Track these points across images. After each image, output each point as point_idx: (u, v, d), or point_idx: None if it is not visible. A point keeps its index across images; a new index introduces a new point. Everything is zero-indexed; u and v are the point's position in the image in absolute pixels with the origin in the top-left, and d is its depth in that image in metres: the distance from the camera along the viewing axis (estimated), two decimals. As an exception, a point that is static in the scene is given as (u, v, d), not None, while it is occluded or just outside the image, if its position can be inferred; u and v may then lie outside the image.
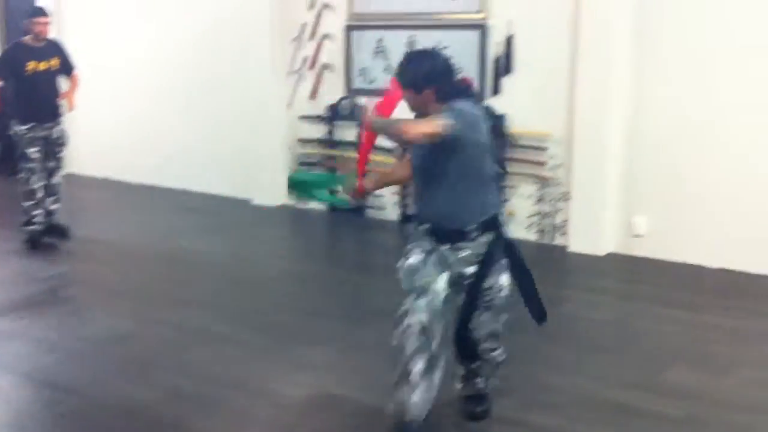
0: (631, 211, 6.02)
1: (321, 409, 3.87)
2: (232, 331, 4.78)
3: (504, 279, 3.38)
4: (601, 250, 6.04)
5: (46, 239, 6.66)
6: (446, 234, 3.31)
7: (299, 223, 7.49)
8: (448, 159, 3.23)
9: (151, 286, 5.64)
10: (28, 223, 6.59)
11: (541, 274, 5.73)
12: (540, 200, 6.36)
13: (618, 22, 5.81)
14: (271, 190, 7.77)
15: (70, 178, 9.08)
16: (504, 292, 3.39)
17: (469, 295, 3.31)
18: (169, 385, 4.09)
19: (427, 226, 3.37)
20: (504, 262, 3.36)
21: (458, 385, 3.65)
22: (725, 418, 3.71)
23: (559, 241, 6.30)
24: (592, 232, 6.05)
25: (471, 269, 3.30)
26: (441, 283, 3.31)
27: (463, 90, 3.41)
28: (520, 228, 6.45)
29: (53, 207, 6.76)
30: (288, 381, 4.13)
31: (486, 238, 3.30)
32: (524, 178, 6.37)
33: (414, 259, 3.36)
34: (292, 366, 4.30)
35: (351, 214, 7.34)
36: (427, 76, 3.30)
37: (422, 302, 3.27)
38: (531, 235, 6.42)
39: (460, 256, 3.31)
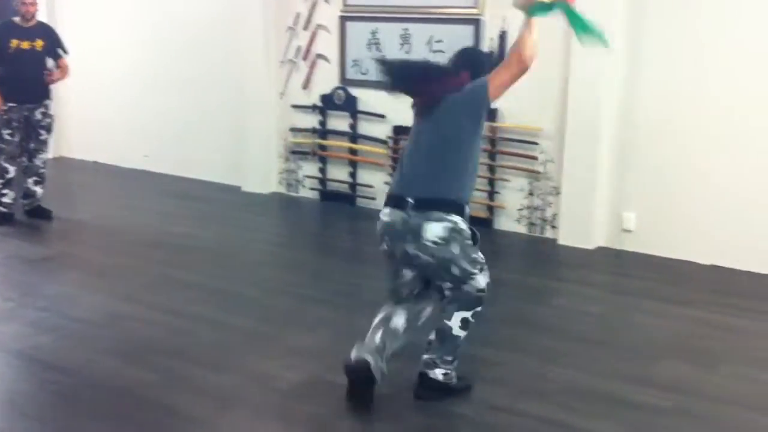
0: (621, 206, 6.08)
1: (314, 394, 3.89)
2: (226, 316, 4.80)
3: None
4: (590, 243, 6.10)
5: (29, 221, 6.72)
6: None
7: (290, 211, 7.52)
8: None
9: (144, 270, 5.65)
10: None
11: (531, 267, 5.95)
12: (531, 194, 6.42)
13: (611, 20, 5.83)
14: (262, 178, 7.80)
15: (60, 161, 9.10)
16: None
17: None
18: (162, 368, 4.12)
19: None
20: None
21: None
22: (713, 411, 3.77)
23: (549, 234, 6.37)
24: (582, 226, 6.11)
25: None
26: None
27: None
28: (510, 220, 6.52)
29: (35, 188, 6.77)
30: (281, 365, 4.16)
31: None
32: (515, 171, 6.43)
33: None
34: (286, 351, 4.33)
35: (342, 203, 7.37)
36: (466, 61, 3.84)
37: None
38: (521, 228, 6.49)
39: None
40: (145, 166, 8.74)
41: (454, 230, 3.53)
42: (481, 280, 3.66)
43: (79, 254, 6.04)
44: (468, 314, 3.69)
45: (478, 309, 3.71)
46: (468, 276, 3.62)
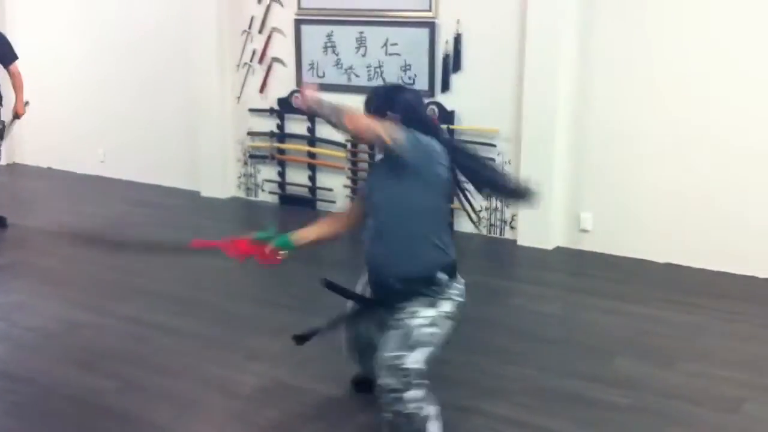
0: (578, 206, 6.15)
1: (275, 399, 3.89)
2: (185, 322, 4.77)
3: None
4: (549, 244, 6.16)
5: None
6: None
7: (249, 216, 7.47)
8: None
9: (101, 277, 5.58)
10: None
11: (490, 267, 5.98)
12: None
13: (564, 23, 5.92)
14: (220, 182, 7.75)
15: (13, 167, 8.95)
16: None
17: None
18: (121, 376, 4.08)
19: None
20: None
21: None
22: (669, 407, 3.82)
23: (508, 235, 6.42)
24: (540, 226, 6.16)
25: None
26: None
27: (432, 127, 3.32)
28: (469, 222, 6.52)
29: None
30: (242, 371, 4.15)
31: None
32: (473, 173, 6.46)
33: None
34: (246, 356, 4.32)
35: (301, 207, 7.35)
36: (390, 100, 3.28)
37: None
38: (481, 230, 6.52)
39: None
40: (101, 171, 8.64)
41: None
42: None
43: (33, 262, 5.95)
44: None
45: None
46: None
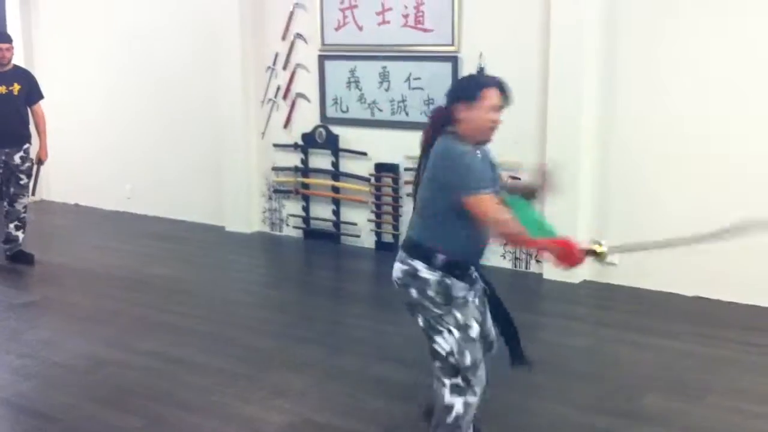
0: (604, 239, 6.05)
1: (301, 436, 3.87)
2: (210, 358, 4.76)
3: None
4: (575, 277, 6.10)
5: (11, 266, 6.68)
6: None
7: (274, 250, 7.50)
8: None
9: (126, 313, 5.60)
10: None
11: (517, 302, 5.82)
12: (514, 228, 6.42)
13: (587, 58, 5.91)
14: (245, 217, 7.79)
15: (41, 204, 9.04)
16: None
17: None
18: (147, 413, 4.07)
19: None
20: None
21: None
22: (701, 442, 3.77)
23: (534, 268, 6.37)
24: (566, 260, 6.11)
25: None
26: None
27: None
28: (495, 256, 6.51)
29: (16, 233, 6.74)
30: (267, 407, 4.13)
31: None
32: (498, 206, 6.43)
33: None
34: (271, 392, 4.30)
35: (326, 241, 7.36)
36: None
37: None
38: (506, 263, 6.49)
39: None
40: (128, 207, 8.72)
41: (410, 275, 3.24)
42: (444, 343, 3.22)
43: (61, 298, 5.99)
44: (448, 381, 3.25)
45: (459, 382, 3.24)
46: (428, 331, 3.27)
